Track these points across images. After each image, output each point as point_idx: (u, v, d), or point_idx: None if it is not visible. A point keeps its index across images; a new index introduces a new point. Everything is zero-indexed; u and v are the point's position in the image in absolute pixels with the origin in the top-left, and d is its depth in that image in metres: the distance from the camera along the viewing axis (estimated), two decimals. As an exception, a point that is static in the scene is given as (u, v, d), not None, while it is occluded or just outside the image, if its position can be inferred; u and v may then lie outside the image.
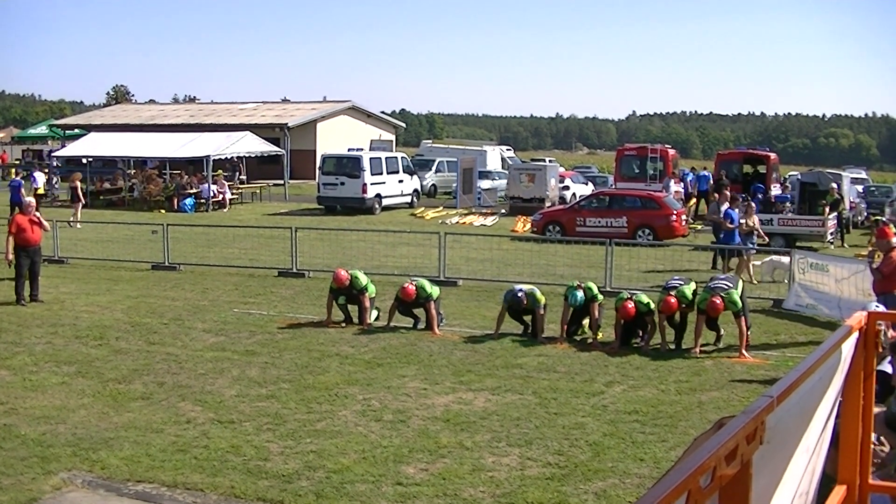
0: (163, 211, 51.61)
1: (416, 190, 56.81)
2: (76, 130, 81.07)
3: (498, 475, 12.20)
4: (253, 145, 59.64)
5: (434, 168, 65.61)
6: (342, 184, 51.68)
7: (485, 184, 59.24)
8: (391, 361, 18.18)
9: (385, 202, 52.84)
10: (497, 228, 44.07)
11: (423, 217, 50.03)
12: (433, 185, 64.38)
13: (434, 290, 21.19)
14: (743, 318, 18.82)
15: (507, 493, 11.59)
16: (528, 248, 32.69)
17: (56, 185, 60.54)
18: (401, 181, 54.90)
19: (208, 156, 54.59)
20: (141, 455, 13.05)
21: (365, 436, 13.80)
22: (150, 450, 13.28)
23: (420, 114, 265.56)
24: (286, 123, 72.78)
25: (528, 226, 43.11)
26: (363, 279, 21.76)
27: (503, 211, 52.39)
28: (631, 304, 19.08)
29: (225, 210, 53.35)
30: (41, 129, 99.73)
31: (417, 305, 21.23)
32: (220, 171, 56.60)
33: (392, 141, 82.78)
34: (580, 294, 19.86)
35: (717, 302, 18.51)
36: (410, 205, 55.21)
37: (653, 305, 19.39)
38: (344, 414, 14.87)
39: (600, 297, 20.29)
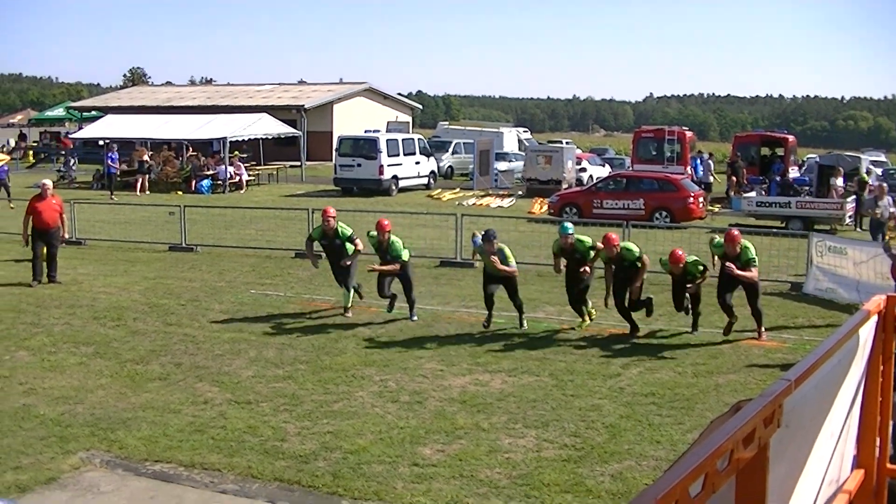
0: (180, 192, 51.66)
1: (432, 171, 56.73)
2: (93, 112, 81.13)
3: (514, 456, 12.22)
4: (270, 127, 59.63)
5: (451, 150, 65.54)
6: (359, 165, 51.65)
7: (501, 165, 59.14)
8: (408, 342, 18.21)
9: (402, 184, 52.79)
10: (514, 210, 44.02)
11: (439, 198, 49.96)
12: (450, 166, 64.30)
13: (405, 253, 20.50)
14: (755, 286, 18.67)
15: (523, 474, 11.61)
16: (545, 229, 32.53)
17: (74, 168, 60.66)
18: (417, 163, 54.83)
19: (225, 137, 54.63)
20: (159, 435, 13.10)
21: (381, 417, 13.83)
22: (168, 430, 13.34)
23: (436, 95, 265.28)
24: (303, 105, 72.84)
25: (545, 208, 42.99)
26: (347, 231, 21.05)
27: (520, 193, 52.29)
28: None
29: (242, 192, 53.35)
30: (58, 112, 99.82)
31: (386, 260, 20.44)
32: (236, 153, 56.64)
33: (409, 123, 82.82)
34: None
35: (735, 232, 18.53)
36: (427, 186, 55.14)
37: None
38: (360, 395, 14.91)
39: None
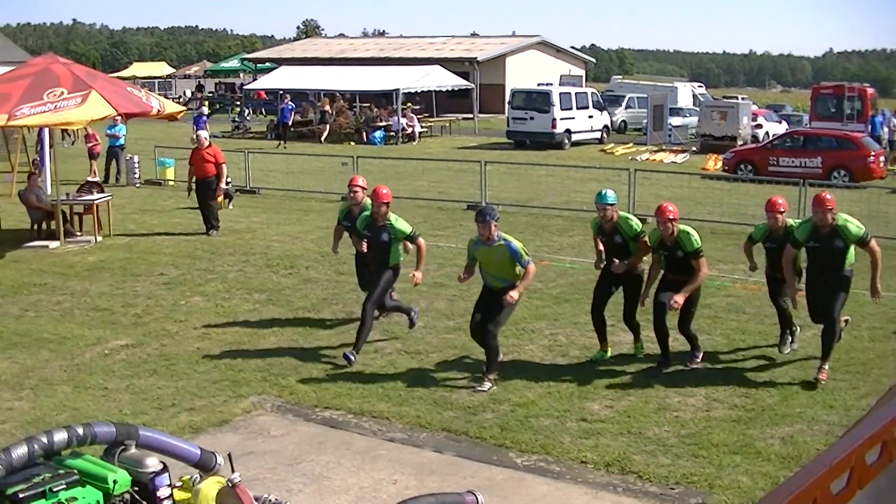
0: (352, 143, 52.23)
1: (605, 126, 56.47)
2: (267, 64, 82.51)
3: (683, 415, 12.08)
4: (442, 79, 59.84)
5: (624, 104, 65.01)
6: (531, 118, 51.67)
7: (675, 121, 58.39)
8: (578, 297, 18.05)
9: (574, 137, 52.67)
10: (687, 166, 43.48)
11: (612, 153, 49.63)
12: (623, 121, 63.82)
13: (399, 251, 15.11)
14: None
15: (691, 433, 11.47)
16: (719, 186, 32.14)
17: (248, 118, 61.87)
18: (590, 116, 54.62)
19: (398, 89, 55.04)
20: (328, 382, 13.29)
21: (550, 371, 13.79)
22: (338, 378, 13.50)
23: (610, 49, 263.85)
24: (475, 58, 72.90)
25: (719, 164, 42.41)
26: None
27: (694, 149, 51.58)
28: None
29: (414, 143, 53.76)
30: (233, 63, 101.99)
31: (380, 245, 14.79)
32: (409, 105, 57.03)
33: (582, 76, 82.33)
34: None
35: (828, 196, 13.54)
36: (600, 140, 54.88)
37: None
38: (530, 348, 14.90)
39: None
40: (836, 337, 13.58)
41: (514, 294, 13.05)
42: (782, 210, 14.29)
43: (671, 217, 13.49)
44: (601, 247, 14.46)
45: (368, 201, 15.37)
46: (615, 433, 11.45)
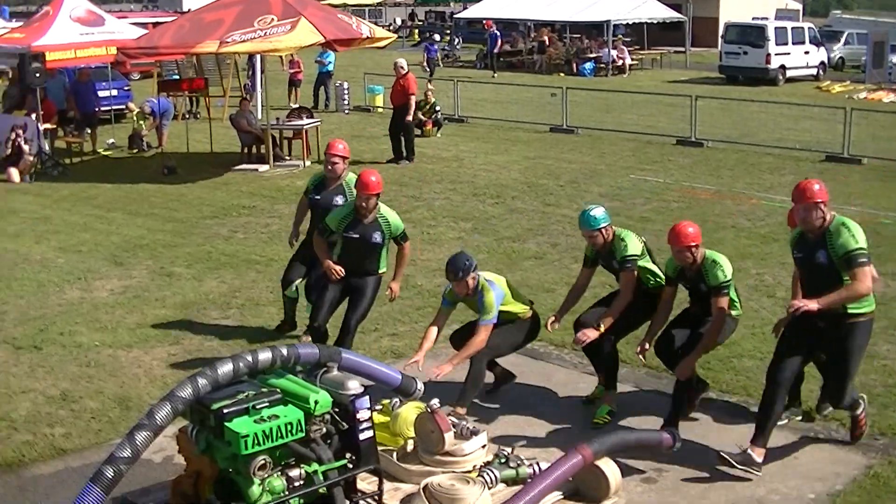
0: (562, 74, 51.97)
1: (822, 62, 54.77)
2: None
3: (891, 364, 11.70)
4: (654, 11, 58.97)
5: (843, 40, 62.91)
6: (745, 53, 50.59)
7: (897, 58, 56.44)
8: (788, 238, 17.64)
9: (789, 73, 51.28)
10: (907, 106, 42.07)
11: (828, 91, 48.20)
12: (841, 57, 61.75)
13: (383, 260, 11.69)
14: None
15: (900, 383, 11.13)
16: (941, 128, 30.97)
17: (458, 47, 62.16)
18: (806, 52, 53.10)
19: (609, 20, 54.47)
20: (530, 314, 13.27)
21: (756, 311, 13.49)
22: (541, 308, 13.45)
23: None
24: (689, -10, 71.54)
25: (943, 105, 40.94)
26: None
27: (915, 88, 49.86)
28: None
29: (624, 75, 53.18)
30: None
31: (368, 247, 11.37)
32: (619, 37, 56.47)
33: (799, 11, 79.92)
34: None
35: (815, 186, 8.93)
36: (816, 77, 53.27)
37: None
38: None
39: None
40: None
41: (442, 368, 10.08)
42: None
43: (692, 244, 9.90)
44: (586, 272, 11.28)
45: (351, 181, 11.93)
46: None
